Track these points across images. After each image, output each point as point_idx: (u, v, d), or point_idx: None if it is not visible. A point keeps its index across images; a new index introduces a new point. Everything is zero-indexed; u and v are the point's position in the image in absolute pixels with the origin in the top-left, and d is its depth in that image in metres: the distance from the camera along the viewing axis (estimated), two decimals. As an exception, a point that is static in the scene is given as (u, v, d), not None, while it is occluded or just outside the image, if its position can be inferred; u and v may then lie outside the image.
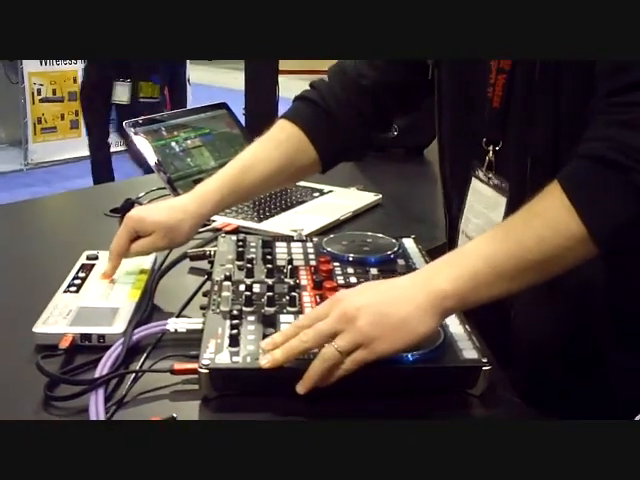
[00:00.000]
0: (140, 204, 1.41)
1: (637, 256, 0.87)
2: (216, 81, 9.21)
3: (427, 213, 1.52)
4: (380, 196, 1.58)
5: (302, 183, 1.63)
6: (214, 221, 1.35)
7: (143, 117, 1.46)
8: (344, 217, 1.45)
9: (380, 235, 1.17)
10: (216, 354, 0.82)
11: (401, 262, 1.06)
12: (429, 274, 0.81)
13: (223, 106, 1.66)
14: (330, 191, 1.61)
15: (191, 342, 0.91)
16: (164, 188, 1.45)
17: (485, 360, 0.83)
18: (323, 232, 1.34)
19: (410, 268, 1.04)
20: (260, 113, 1.86)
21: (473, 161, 1.03)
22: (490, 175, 1.00)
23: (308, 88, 1.18)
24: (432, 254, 1.08)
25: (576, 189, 0.76)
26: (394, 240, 1.14)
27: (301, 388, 0.79)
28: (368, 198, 1.57)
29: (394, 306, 0.78)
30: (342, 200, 1.56)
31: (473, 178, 1.04)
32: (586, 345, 0.94)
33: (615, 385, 0.93)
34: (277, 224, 1.39)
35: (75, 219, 1.47)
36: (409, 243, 1.16)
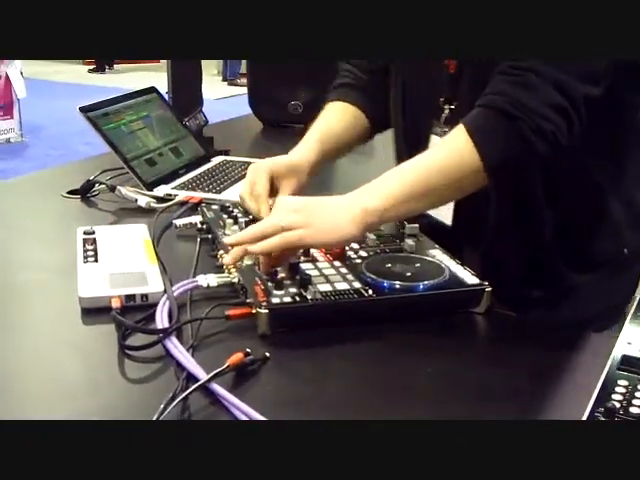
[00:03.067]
0: (101, 183, 1.48)
1: (575, 206, 1.12)
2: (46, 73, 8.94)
3: (366, 177, 1.67)
4: (313, 165, 1.72)
5: (234, 158, 1.75)
6: (176, 195, 1.45)
7: (91, 103, 1.52)
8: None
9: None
10: (268, 297, 0.94)
11: None
12: (357, 195, 1.01)
13: (153, 90, 1.74)
14: (264, 164, 1.73)
15: (222, 295, 1.02)
16: (118, 168, 1.52)
17: (486, 283, 1.01)
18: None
19: None
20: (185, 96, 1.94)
21: (431, 120, 1.20)
22: (447, 129, 1.18)
23: (342, 73, 1.34)
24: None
25: (475, 129, 0.99)
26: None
27: (231, 240, 1.01)
28: (304, 168, 1.70)
29: (330, 211, 0.99)
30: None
31: (432, 135, 1.22)
32: (544, 269, 1.16)
33: (568, 296, 1.16)
34: (235, 194, 1.50)
35: (34, 203, 1.50)
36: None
